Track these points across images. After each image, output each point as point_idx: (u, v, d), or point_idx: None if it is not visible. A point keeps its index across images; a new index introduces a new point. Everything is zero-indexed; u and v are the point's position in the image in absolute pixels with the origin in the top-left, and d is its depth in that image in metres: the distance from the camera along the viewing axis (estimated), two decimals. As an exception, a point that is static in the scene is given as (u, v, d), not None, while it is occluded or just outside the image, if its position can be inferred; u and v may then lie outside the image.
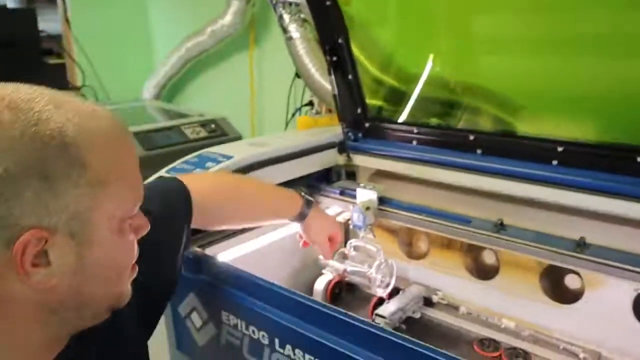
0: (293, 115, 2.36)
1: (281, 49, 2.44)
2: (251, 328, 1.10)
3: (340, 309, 0.99)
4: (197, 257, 1.22)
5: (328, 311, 0.98)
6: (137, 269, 0.73)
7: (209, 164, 1.41)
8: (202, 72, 2.97)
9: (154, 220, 0.78)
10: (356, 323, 0.93)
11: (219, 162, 1.42)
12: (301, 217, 1.29)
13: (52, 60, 2.97)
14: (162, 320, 1.33)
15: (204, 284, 1.19)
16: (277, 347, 1.05)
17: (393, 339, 0.89)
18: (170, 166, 1.46)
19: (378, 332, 0.91)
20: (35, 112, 0.57)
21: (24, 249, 0.57)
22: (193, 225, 1.09)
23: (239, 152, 1.48)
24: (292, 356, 1.02)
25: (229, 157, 1.44)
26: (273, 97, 2.64)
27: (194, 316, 1.25)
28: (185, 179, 1.09)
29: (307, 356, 1.00)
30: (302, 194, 1.31)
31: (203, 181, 1.16)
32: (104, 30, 3.02)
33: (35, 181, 0.56)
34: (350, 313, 0.96)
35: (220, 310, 1.16)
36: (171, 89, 3.08)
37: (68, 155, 0.58)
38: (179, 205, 1.04)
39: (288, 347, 1.03)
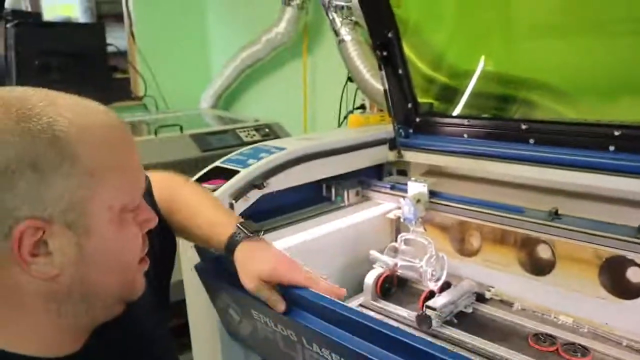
0: (345, 118, 2.39)
1: (333, 56, 2.49)
2: (279, 326, 1.05)
3: (361, 312, 0.90)
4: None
5: (350, 315, 0.87)
6: (147, 261, 0.74)
7: (262, 154, 1.45)
8: (256, 81, 3.06)
9: None
10: (378, 327, 0.83)
11: (272, 153, 1.45)
12: (232, 244, 0.94)
13: (119, 75, 3.16)
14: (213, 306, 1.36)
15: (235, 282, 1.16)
16: (305, 344, 0.98)
17: (417, 345, 0.78)
18: (226, 158, 1.51)
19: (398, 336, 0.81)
20: (27, 108, 0.60)
21: (20, 239, 0.59)
22: None
23: (292, 144, 1.51)
24: (320, 353, 0.95)
25: (281, 149, 1.47)
26: (325, 102, 2.69)
27: (232, 311, 1.26)
28: None
29: (334, 355, 0.91)
30: (244, 226, 0.97)
31: (155, 173, 1.07)
32: (165, 43, 3.18)
33: (28, 173, 0.58)
34: (371, 316, 0.90)
35: (250, 309, 1.09)
36: (227, 99, 3.19)
37: (59, 147, 0.59)
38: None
39: (315, 345, 0.96)
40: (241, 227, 0.95)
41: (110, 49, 2.76)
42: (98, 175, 0.63)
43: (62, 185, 0.60)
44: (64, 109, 0.62)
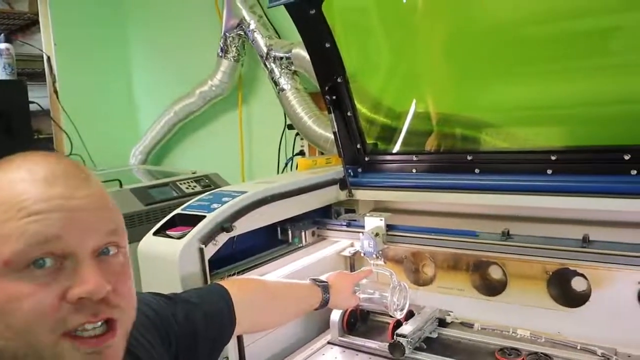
0: (285, 165, 2.44)
1: (268, 106, 2.57)
2: None
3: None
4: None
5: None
6: (87, 343, 0.65)
7: (225, 198, 1.46)
8: (190, 134, 3.06)
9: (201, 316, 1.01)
10: None
11: (234, 196, 1.46)
12: (324, 304, 1.38)
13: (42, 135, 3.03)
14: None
15: None
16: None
17: None
18: (185, 205, 1.50)
19: None
20: None
21: None
22: (239, 330, 1.17)
23: (251, 188, 1.53)
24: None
25: (243, 192, 1.49)
26: (261, 151, 2.73)
27: None
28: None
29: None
30: (316, 283, 1.38)
31: (235, 282, 1.26)
32: (89, 100, 3.11)
33: None
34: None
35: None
36: (158, 153, 3.15)
37: None
38: (221, 303, 1.13)
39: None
40: (319, 284, 1.37)
41: (32, 107, 2.65)
42: None
43: None
44: None
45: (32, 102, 2.62)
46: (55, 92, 2.79)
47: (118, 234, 0.70)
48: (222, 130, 2.89)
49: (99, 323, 0.66)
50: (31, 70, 3.29)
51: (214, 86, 2.61)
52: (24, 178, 0.65)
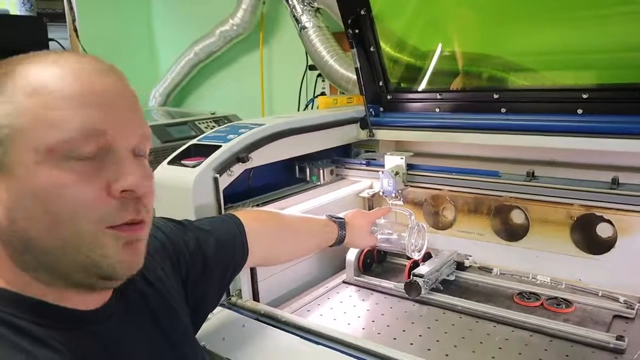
0: (306, 106, 2.40)
1: (289, 46, 2.50)
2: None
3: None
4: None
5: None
6: (131, 230, 0.65)
7: (242, 130, 1.43)
8: (210, 75, 3.02)
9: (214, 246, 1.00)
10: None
11: (251, 128, 1.43)
12: (340, 240, 1.34)
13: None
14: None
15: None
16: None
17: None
18: (202, 136, 1.47)
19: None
20: None
21: None
22: (252, 261, 1.14)
23: (269, 121, 1.50)
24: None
25: (260, 125, 1.46)
26: (282, 93, 2.69)
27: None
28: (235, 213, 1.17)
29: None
30: (333, 219, 1.34)
31: (248, 213, 1.22)
32: (109, 40, 3.07)
33: None
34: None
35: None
36: (178, 95, 3.12)
37: None
38: (234, 231, 1.10)
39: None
40: (335, 220, 1.32)
41: (53, 47, 2.62)
42: (22, 112, 0.60)
43: None
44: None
45: (52, 40, 2.58)
46: (75, 30, 2.75)
47: (148, 138, 0.71)
48: (243, 72, 2.84)
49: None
50: (52, 11, 3.25)
51: (235, 25, 2.55)
52: (74, 69, 0.64)
